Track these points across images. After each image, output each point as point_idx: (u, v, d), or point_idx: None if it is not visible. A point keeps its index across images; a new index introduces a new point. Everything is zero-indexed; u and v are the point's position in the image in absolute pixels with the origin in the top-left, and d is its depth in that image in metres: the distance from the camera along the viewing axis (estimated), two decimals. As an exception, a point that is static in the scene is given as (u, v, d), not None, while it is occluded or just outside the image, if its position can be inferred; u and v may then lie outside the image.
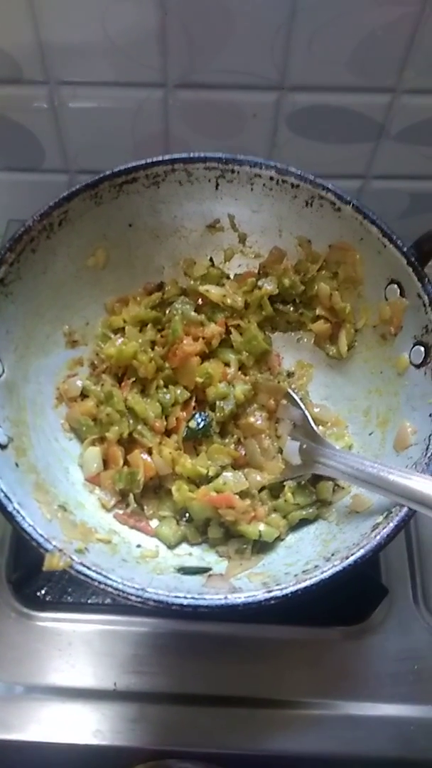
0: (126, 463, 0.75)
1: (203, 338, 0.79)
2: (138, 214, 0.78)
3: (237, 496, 0.71)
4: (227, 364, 0.79)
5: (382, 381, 0.75)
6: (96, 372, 0.80)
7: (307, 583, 0.58)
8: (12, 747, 0.72)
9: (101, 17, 0.76)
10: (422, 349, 0.69)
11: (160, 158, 0.75)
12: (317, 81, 0.82)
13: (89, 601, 0.79)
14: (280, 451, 0.77)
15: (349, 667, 0.77)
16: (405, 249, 0.69)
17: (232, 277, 0.83)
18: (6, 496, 0.60)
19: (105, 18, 0.76)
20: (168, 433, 0.77)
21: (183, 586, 0.63)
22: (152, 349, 0.79)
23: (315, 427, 0.74)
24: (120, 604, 0.77)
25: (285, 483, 0.74)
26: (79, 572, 0.58)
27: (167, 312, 0.81)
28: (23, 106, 0.87)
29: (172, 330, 0.78)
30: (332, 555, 0.62)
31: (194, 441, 0.76)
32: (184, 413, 0.77)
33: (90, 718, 0.74)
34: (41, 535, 0.59)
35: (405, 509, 0.60)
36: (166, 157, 0.75)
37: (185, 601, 0.58)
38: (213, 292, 0.80)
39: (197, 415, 0.76)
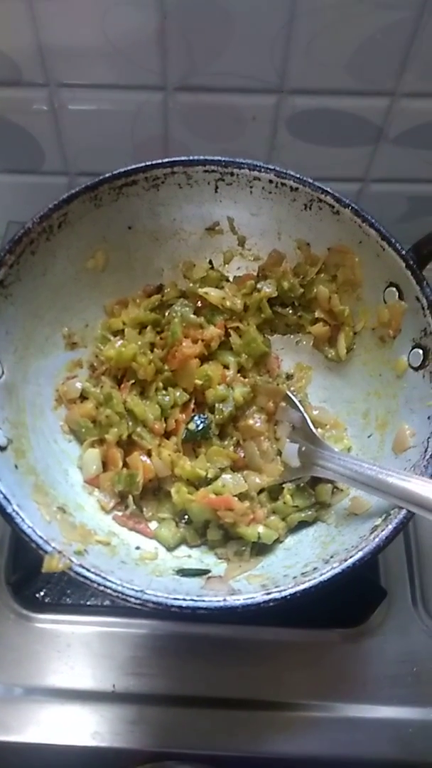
0: (125, 464, 0.75)
1: (202, 340, 0.79)
2: (137, 217, 0.78)
3: (236, 498, 0.71)
4: (226, 367, 0.80)
5: (381, 383, 0.75)
6: (95, 374, 0.80)
7: (306, 585, 0.58)
8: (11, 748, 0.72)
9: (101, 20, 0.76)
10: (421, 351, 0.69)
11: (159, 161, 0.75)
12: (316, 84, 0.82)
13: (88, 603, 0.79)
14: (279, 453, 0.77)
15: (347, 670, 0.77)
16: (404, 252, 0.69)
17: (231, 279, 0.83)
18: (5, 497, 0.60)
19: (105, 21, 0.76)
20: (167, 435, 0.77)
21: (182, 588, 0.63)
22: (151, 351, 0.79)
23: (314, 430, 0.74)
24: (119, 606, 0.77)
25: (284, 485, 0.74)
26: (78, 574, 0.58)
27: (166, 314, 0.81)
28: (23, 108, 0.87)
29: (171, 332, 0.78)
30: (331, 557, 0.62)
31: (193, 443, 0.76)
32: (184, 415, 0.77)
33: (89, 719, 0.74)
34: (40, 537, 0.59)
35: (404, 512, 0.61)
36: (166, 159, 0.75)
37: (184, 603, 0.58)
38: (212, 294, 0.80)
39: (196, 417, 0.76)
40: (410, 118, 0.87)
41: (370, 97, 0.84)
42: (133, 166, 0.74)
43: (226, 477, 0.73)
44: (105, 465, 0.75)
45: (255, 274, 0.83)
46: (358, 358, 0.79)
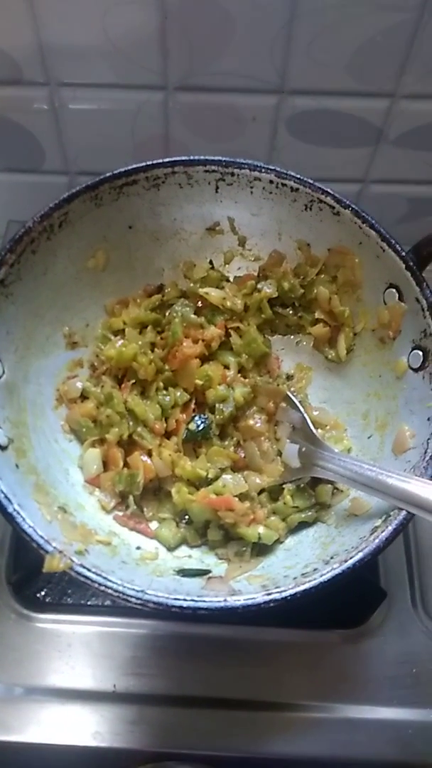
0: (126, 464, 0.75)
1: (203, 341, 0.79)
2: (138, 216, 0.78)
3: (236, 499, 0.71)
4: (227, 367, 0.80)
5: (381, 384, 0.75)
6: (96, 373, 0.80)
7: (307, 585, 0.58)
8: (11, 748, 0.72)
9: (102, 19, 0.76)
10: (420, 353, 0.69)
11: (160, 160, 0.75)
12: (317, 85, 0.82)
13: (89, 603, 0.79)
14: (280, 453, 0.77)
15: (347, 671, 0.77)
16: (403, 253, 0.69)
17: (231, 279, 0.83)
18: (6, 497, 0.60)
19: (105, 20, 0.76)
20: (168, 435, 0.77)
21: (182, 588, 0.63)
22: (152, 351, 0.79)
23: (314, 430, 0.74)
24: (119, 606, 0.77)
25: (284, 486, 0.74)
26: (79, 574, 0.58)
27: (167, 314, 0.81)
28: (23, 107, 0.87)
29: (171, 332, 0.78)
30: (331, 558, 0.63)
31: (194, 443, 0.76)
32: (184, 415, 0.77)
33: (89, 719, 0.74)
34: (41, 537, 0.59)
35: (403, 513, 0.61)
36: (167, 159, 0.75)
37: (185, 603, 0.58)
38: (213, 294, 0.80)
39: (197, 418, 0.76)
40: (410, 119, 0.87)
41: (370, 98, 0.84)
42: (134, 166, 0.74)
43: (227, 477, 0.73)
44: (106, 465, 0.75)
45: (255, 274, 0.83)
46: (358, 359, 0.79)
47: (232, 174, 0.76)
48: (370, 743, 0.73)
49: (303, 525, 0.73)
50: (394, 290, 0.71)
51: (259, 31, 0.77)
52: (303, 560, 0.66)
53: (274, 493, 0.75)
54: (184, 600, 0.58)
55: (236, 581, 0.66)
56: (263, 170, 0.75)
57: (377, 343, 0.76)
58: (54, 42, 0.79)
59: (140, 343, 0.78)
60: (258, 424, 0.78)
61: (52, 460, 0.72)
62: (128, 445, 0.76)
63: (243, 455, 0.77)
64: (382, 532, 0.61)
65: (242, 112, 0.87)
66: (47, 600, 0.79)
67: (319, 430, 0.77)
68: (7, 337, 0.70)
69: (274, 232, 0.80)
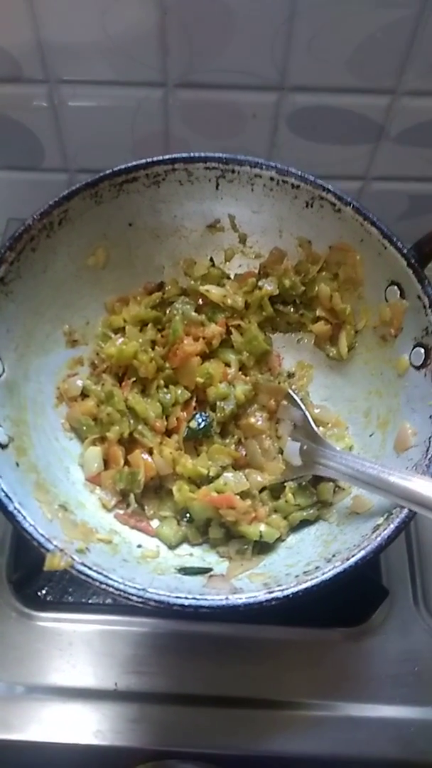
0: (127, 463, 0.75)
1: (204, 338, 0.78)
2: (138, 214, 0.78)
3: (238, 497, 0.71)
4: (228, 365, 0.79)
5: (383, 382, 0.75)
6: (96, 371, 0.80)
7: (308, 584, 0.58)
8: (12, 747, 0.72)
9: (101, 16, 0.76)
10: (422, 350, 0.69)
11: (160, 157, 0.74)
12: (317, 82, 0.82)
13: (90, 601, 0.79)
14: (281, 451, 0.77)
15: (349, 669, 0.77)
16: (405, 251, 0.69)
17: (232, 277, 0.83)
18: (7, 495, 0.60)
19: (105, 17, 0.76)
20: (168, 433, 0.77)
21: (184, 587, 0.63)
22: (153, 348, 0.79)
23: (315, 428, 0.74)
24: (121, 605, 0.78)
25: (286, 484, 0.74)
26: (80, 572, 0.58)
27: (167, 312, 0.81)
28: (23, 104, 0.87)
29: (172, 330, 0.78)
30: (333, 556, 0.62)
31: (195, 441, 0.76)
32: (185, 413, 0.77)
33: (90, 718, 0.74)
34: (42, 535, 0.59)
35: (405, 511, 0.61)
36: (167, 156, 0.74)
37: (186, 602, 0.57)
38: (213, 292, 0.80)
39: (198, 416, 0.76)
40: (411, 116, 0.87)
41: (371, 95, 0.84)
42: (134, 163, 0.74)
43: (228, 475, 0.73)
44: (106, 463, 0.75)
45: (256, 271, 0.82)
46: (359, 357, 0.79)
47: (233, 171, 0.75)
48: (372, 741, 0.73)
49: (304, 523, 0.73)
50: (395, 287, 0.71)
51: (259, 27, 0.77)
52: (305, 558, 0.66)
53: (275, 491, 0.75)
54: (186, 598, 0.58)
55: (238, 579, 0.66)
56: (264, 167, 0.74)
57: (379, 341, 0.76)
58: (53, 39, 0.79)
59: (141, 340, 0.78)
60: (259, 422, 0.77)
61: (52, 459, 0.72)
62: (129, 443, 0.76)
63: (244, 453, 0.77)
64: (384, 530, 0.60)
65: (243, 108, 0.86)
66: (48, 598, 0.79)
67: (321, 428, 0.77)
68: (7, 335, 0.70)
69: (275, 230, 0.80)
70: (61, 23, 0.77)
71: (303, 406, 0.76)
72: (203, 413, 0.76)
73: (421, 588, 0.82)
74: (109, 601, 0.79)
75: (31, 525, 0.59)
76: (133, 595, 0.57)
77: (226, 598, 0.58)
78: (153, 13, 0.75)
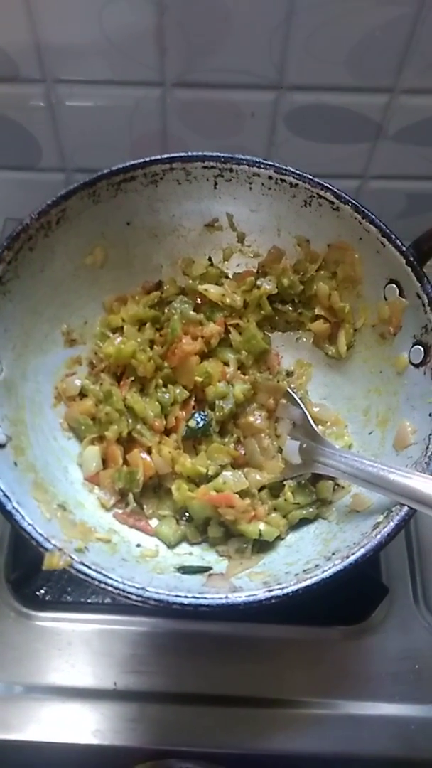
0: (125, 462, 0.75)
1: (202, 337, 0.78)
2: (136, 213, 0.78)
3: (237, 496, 0.71)
4: (226, 364, 0.79)
5: (382, 380, 0.75)
6: (95, 371, 0.80)
7: (308, 582, 0.58)
8: (11, 747, 0.72)
9: (98, 15, 0.76)
10: (421, 348, 0.69)
11: (158, 157, 0.74)
12: (315, 80, 0.82)
13: (89, 601, 0.79)
14: (280, 450, 0.77)
15: (349, 667, 0.77)
16: (404, 249, 0.69)
17: (230, 276, 0.83)
18: (5, 495, 0.60)
19: (102, 16, 0.76)
20: (167, 432, 0.77)
21: (183, 586, 0.62)
22: (151, 348, 0.79)
23: (315, 427, 0.74)
24: (119, 604, 0.77)
25: (285, 482, 0.74)
26: (79, 571, 0.58)
27: (166, 311, 0.81)
28: (20, 104, 0.87)
29: (171, 329, 0.78)
30: (333, 554, 0.62)
31: (194, 440, 0.76)
32: (184, 412, 0.77)
33: (90, 717, 0.74)
34: (41, 534, 0.59)
35: (405, 509, 0.60)
36: (165, 155, 0.74)
37: (186, 601, 0.57)
38: (212, 291, 0.80)
39: (196, 415, 0.76)
40: (410, 114, 0.87)
41: (369, 94, 0.84)
42: (132, 162, 0.74)
43: (227, 474, 0.73)
44: (105, 462, 0.75)
45: (255, 270, 0.82)
46: (358, 355, 0.79)
47: (231, 170, 0.75)
48: (372, 739, 0.73)
49: (304, 521, 0.73)
50: (394, 286, 0.71)
51: (257, 26, 0.77)
52: (304, 557, 0.66)
53: (274, 489, 0.75)
54: (185, 597, 0.58)
55: (237, 578, 0.66)
56: (262, 166, 0.74)
57: (378, 339, 0.75)
58: (50, 39, 0.78)
59: (139, 340, 0.78)
60: (258, 421, 0.77)
61: (50, 458, 0.71)
62: (128, 442, 0.76)
63: (243, 452, 0.77)
64: (383, 528, 0.60)
65: (240, 107, 0.86)
66: (47, 598, 0.79)
67: (320, 427, 0.77)
68: (4, 335, 0.70)
69: (274, 228, 0.80)
70: (58, 22, 0.77)
71: (302, 405, 0.76)
72: (202, 412, 0.76)
73: (421, 586, 0.82)
74: (108, 600, 0.79)
75: (29, 524, 0.59)
76: (132, 594, 0.57)
77: (226, 597, 0.58)
78: (150, 13, 0.75)
